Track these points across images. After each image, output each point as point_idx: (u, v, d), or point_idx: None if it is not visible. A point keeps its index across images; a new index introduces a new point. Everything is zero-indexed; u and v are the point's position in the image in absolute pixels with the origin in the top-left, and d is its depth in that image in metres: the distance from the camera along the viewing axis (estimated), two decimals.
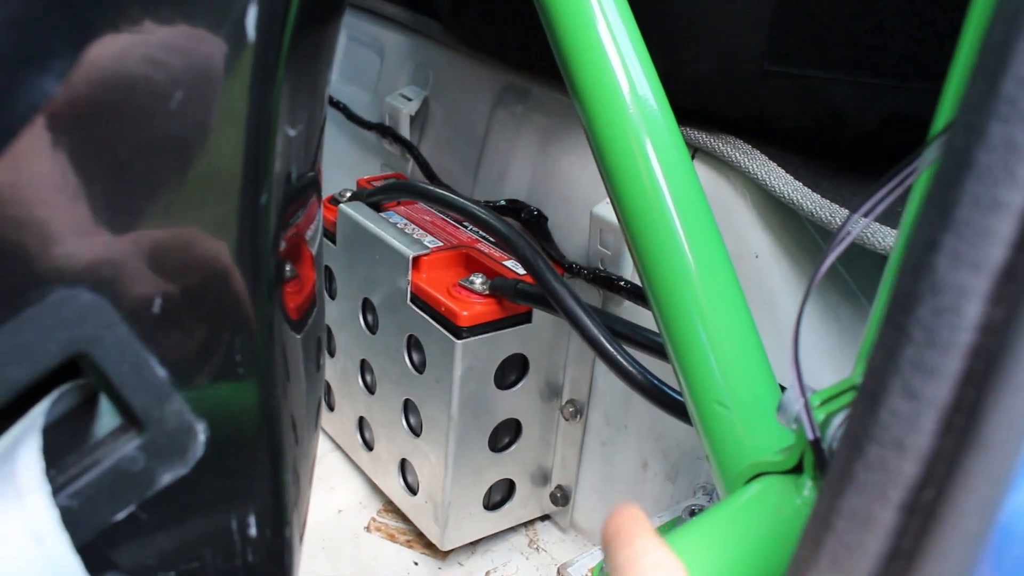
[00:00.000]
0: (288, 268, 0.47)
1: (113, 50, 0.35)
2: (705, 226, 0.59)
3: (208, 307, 0.41)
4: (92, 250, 0.37)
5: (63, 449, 0.40)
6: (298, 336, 0.51)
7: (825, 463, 0.45)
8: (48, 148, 0.35)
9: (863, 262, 0.71)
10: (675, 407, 0.67)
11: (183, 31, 0.37)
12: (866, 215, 0.39)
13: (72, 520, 0.39)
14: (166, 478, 0.41)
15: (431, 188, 0.91)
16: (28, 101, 0.34)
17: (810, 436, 0.44)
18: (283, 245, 0.45)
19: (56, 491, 0.39)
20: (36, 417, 0.38)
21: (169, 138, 0.37)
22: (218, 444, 0.43)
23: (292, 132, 0.43)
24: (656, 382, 0.69)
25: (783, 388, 0.57)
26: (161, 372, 0.40)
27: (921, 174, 0.38)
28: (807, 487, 0.46)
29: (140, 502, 0.41)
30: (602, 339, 0.70)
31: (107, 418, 0.41)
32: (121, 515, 0.41)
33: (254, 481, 0.47)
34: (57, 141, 0.35)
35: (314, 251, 0.54)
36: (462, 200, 0.86)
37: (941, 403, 0.28)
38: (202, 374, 0.42)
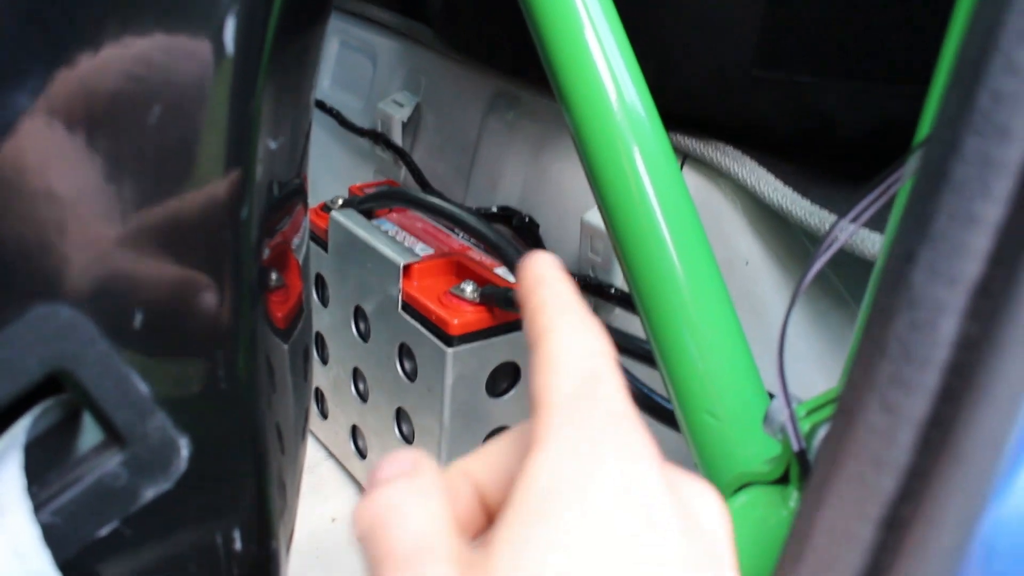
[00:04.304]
0: (273, 276, 0.47)
1: (90, 65, 0.35)
2: (692, 233, 0.58)
3: (189, 322, 0.41)
4: (71, 267, 0.37)
5: (45, 465, 0.40)
6: (284, 345, 0.51)
7: (810, 473, 0.45)
8: (25, 164, 0.35)
9: (853, 267, 0.71)
10: (665, 416, 0.67)
11: (161, 45, 0.37)
12: (852, 223, 0.39)
13: (54, 537, 0.39)
14: (149, 493, 0.41)
15: (422, 196, 0.91)
16: (2, 119, 0.34)
17: (795, 447, 0.44)
18: (267, 253, 0.45)
19: (38, 508, 0.39)
20: (17, 434, 0.38)
21: (147, 154, 0.37)
22: (201, 458, 0.43)
23: (274, 145, 0.42)
24: (646, 391, 0.69)
25: (773, 396, 0.57)
26: (143, 387, 0.39)
27: (905, 183, 0.38)
28: (793, 498, 0.46)
29: (123, 518, 0.41)
30: None
31: (90, 433, 0.41)
32: (104, 531, 0.41)
33: (238, 494, 0.47)
34: (34, 157, 0.35)
35: (300, 259, 0.54)
36: (453, 208, 0.86)
37: (918, 418, 0.28)
38: (184, 388, 0.42)
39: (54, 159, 0.35)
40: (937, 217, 0.27)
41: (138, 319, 0.39)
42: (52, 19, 0.34)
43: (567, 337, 0.31)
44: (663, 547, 0.26)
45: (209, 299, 0.41)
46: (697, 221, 0.59)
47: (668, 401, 0.65)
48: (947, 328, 0.27)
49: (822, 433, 0.45)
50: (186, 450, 0.42)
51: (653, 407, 0.68)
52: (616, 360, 0.31)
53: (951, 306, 0.27)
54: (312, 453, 1.09)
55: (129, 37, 0.36)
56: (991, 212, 0.27)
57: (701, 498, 0.30)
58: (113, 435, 0.40)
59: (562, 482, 0.27)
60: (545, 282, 0.33)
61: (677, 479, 0.30)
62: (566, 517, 0.26)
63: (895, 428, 0.28)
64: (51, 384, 0.39)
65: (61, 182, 0.36)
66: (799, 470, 0.45)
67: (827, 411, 0.46)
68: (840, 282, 0.74)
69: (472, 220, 0.84)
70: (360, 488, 1.05)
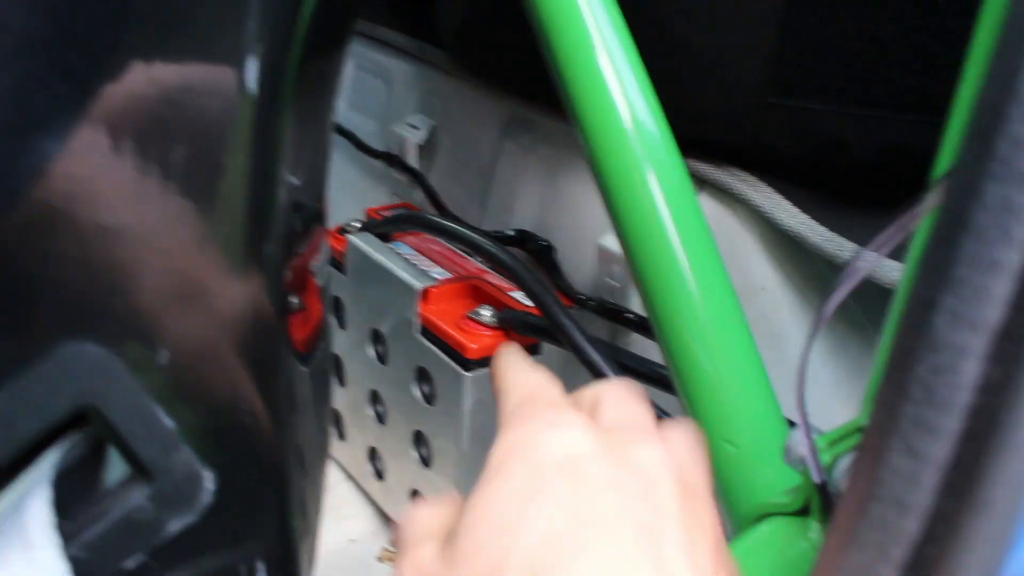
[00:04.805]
0: (294, 301, 0.48)
1: (113, 106, 0.36)
2: (709, 259, 0.58)
3: (214, 357, 0.41)
4: (99, 305, 0.38)
5: (73, 499, 0.40)
6: (305, 369, 0.51)
7: (831, 506, 0.45)
8: (54, 206, 0.36)
9: (871, 292, 0.71)
10: None
11: (184, 88, 0.37)
12: (866, 262, 0.40)
13: (82, 570, 0.39)
14: (174, 526, 0.42)
15: (439, 220, 0.91)
16: (30, 164, 0.34)
17: (816, 480, 0.45)
18: (288, 276, 0.46)
19: (65, 542, 0.39)
20: (45, 468, 0.39)
21: (170, 194, 0.38)
22: (226, 489, 0.44)
23: (296, 181, 0.43)
24: (664, 417, 0.69)
25: (792, 423, 0.57)
26: (168, 423, 0.40)
27: (925, 217, 0.39)
28: (813, 529, 0.46)
29: (148, 550, 0.42)
30: (610, 374, 0.70)
31: (116, 467, 0.41)
32: (130, 563, 0.41)
33: (261, 522, 0.48)
34: (62, 199, 0.36)
35: (320, 282, 0.54)
36: (469, 233, 0.86)
37: (941, 462, 0.28)
38: (209, 422, 0.42)
39: (82, 200, 0.36)
40: (958, 263, 0.28)
41: (164, 356, 0.39)
42: (77, 65, 0.34)
43: (514, 380, 0.44)
44: (593, 478, 0.35)
45: (233, 333, 0.41)
46: (714, 246, 0.59)
47: None
48: (970, 372, 0.27)
49: (843, 465, 0.45)
50: (211, 483, 0.42)
51: None
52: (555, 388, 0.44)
53: (973, 350, 0.27)
54: (330, 474, 1.09)
55: (151, 80, 0.37)
56: (1012, 258, 0.27)
57: (637, 444, 0.38)
58: (139, 470, 0.40)
59: (511, 449, 0.36)
60: (507, 359, 0.48)
61: (617, 435, 0.38)
62: (515, 469, 0.35)
63: (918, 471, 0.28)
64: (77, 417, 0.40)
65: (88, 223, 0.36)
66: (819, 502, 0.46)
67: (847, 443, 0.46)
68: (858, 307, 0.74)
69: (489, 245, 0.84)
70: (377, 509, 1.05)
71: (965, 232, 0.27)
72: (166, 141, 0.37)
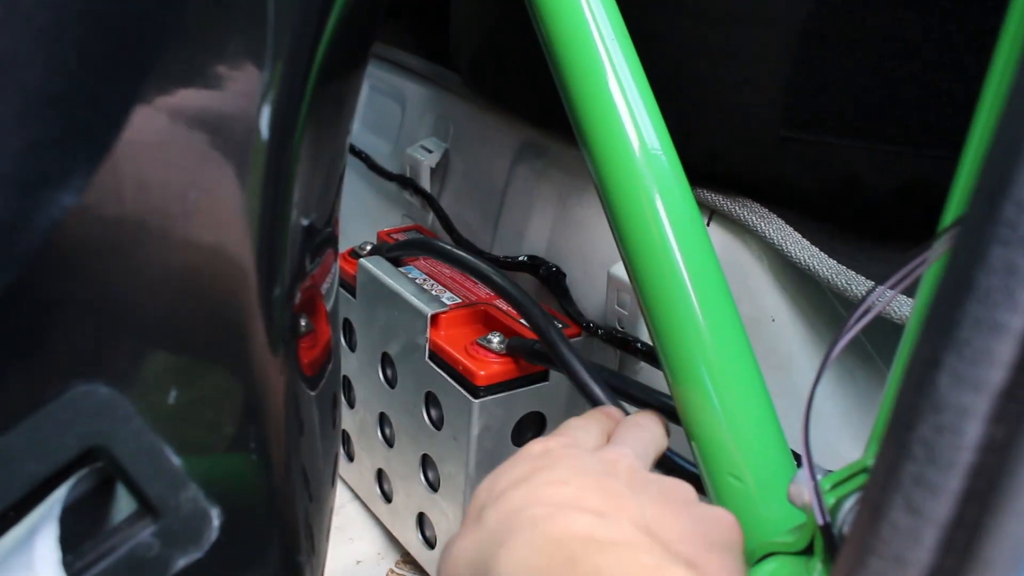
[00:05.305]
0: (304, 323, 0.48)
1: (125, 156, 0.36)
2: (717, 289, 0.58)
3: (222, 396, 0.41)
4: (108, 347, 0.38)
5: (80, 535, 0.40)
6: (312, 393, 0.51)
7: (835, 548, 0.45)
8: (63, 256, 0.36)
9: (880, 325, 0.71)
10: (689, 476, 0.67)
11: (197, 132, 0.37)
12: (876, 303, 0.40)
13: None
14: (181, 563, 0.42)
15: (448, 248, 0.91)
16: (47, 216, 0.35)
17: (820, 522, 0.44)
18: (298, 299, 0.46)
19: None
20: (53, 505, 0.39)
21: (180, 239, 0.38)
22: (232, 524, 0.44)
23: (306, 221, 0.43)
24: (669, 452, 0.69)
25: (798, 455, 0.56)
26: (176, 461, 0.40)
27: (935, 260, 0.39)
28: (817, 570, 0.46)
29: None
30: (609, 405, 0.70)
31: (123, 502, 0.42)
32: None
33: (267, 551, 0.48)
34: (71, 249, 0.36)
35: (329, 306, 0.54)
36: (475, 261, 0.86)
37: (942, 520, 0.28)
38: (216, 458, 0.43)
39: (93, 247, 0.36)
40: (962, 324, 0.28)
41: (172, 395, 0.39)
42: (91, 119, 0.35)
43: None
44: (558, 455, 0.46)
45: (242, 377, 0.41)
46: (721, 277, 0.59)
47: (692, 463, 0.65)
48: (972, 432, 0.28)
49: (847, 506, 0.45)
50: (217, 520, 0.42)
51: (677, 468, 0.68)
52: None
53: (976, 411, 0.27)
54: (338, 494, 1.09)
55: (165, 125, 0.37)
56: (1016, 321, 0.27)
57: (612, 449, 0.50)
58: (147, 507, 0.41)
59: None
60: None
61: (602, 448, 0.51)
62: (503, 464, 0.46)
63: (919, 529, 0.29)
64: (86, 455, 0.40)
65: (100, 269, 0.37)
66: (823, 543, 0.45)
67: (852, 484, 0.46)
68: (867, 340, 0.74)
69: (496, 276, 0.84)
70: (384, 530, 1.05)
71: (970, 294, 0.28)
72: (177, 188, 0.37)
